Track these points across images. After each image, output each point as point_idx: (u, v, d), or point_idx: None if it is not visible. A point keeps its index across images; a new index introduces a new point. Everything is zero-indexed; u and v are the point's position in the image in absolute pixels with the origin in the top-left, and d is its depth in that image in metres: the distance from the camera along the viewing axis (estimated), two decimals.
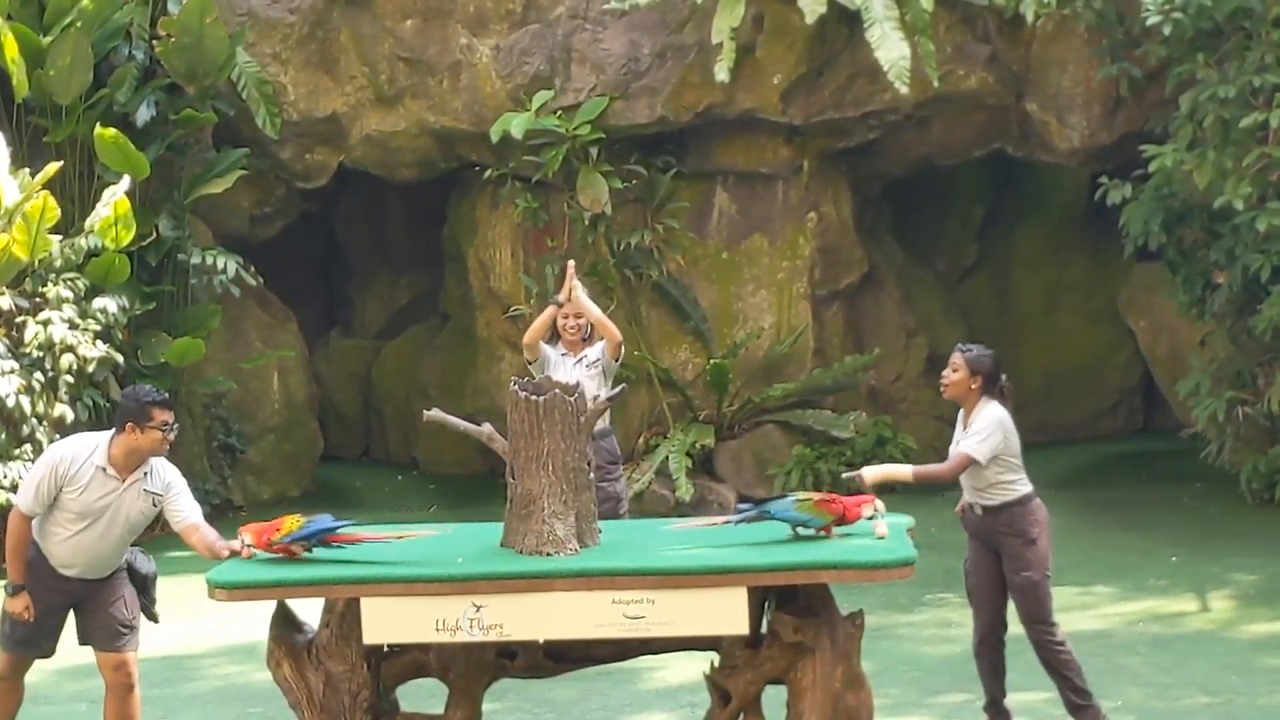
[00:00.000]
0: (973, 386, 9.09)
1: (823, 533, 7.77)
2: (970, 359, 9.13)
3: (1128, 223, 15.67)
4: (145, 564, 9.15)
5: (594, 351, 11.76)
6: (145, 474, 8.68)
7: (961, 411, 9.21)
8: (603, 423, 11.25)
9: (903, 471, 8.85)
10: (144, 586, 9.10)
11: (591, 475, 7.89)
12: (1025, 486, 9.11)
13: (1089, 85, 17.00)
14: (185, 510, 8.70)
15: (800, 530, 7.79)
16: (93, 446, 8.67)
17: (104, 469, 8.59)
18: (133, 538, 8.87)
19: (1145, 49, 15.83)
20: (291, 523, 7.88)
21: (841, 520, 7.84)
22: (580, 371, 11.48)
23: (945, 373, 9.19)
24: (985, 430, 9.00)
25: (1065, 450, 18.88)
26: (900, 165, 18.45)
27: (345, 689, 7.70)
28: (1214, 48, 15.12)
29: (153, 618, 9.18)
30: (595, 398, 11.08)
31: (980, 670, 9.33)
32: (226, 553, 8.26)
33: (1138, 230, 15.60)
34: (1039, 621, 9.15)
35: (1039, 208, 19.92)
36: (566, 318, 11.80)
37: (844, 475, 8.80)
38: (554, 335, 11.89)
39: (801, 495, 7.92)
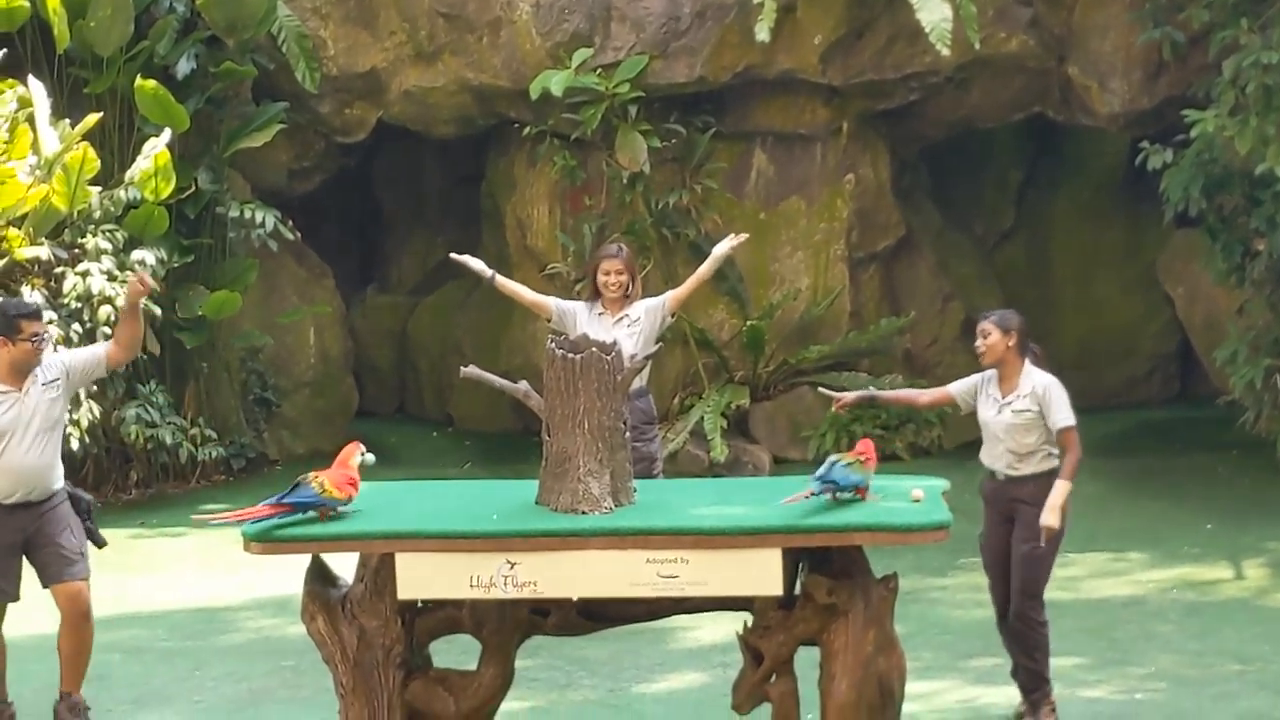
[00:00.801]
0: (1010, 345, 9.09)
1: (858, 495, 7.76)
2: (999, 320, 9.14)
3: (1167, 189, 15.59)
4: (84, 494, 9.44)
5: (636, 309, 11.27)
6: (35, 376, 8.96)
7: (995, 377, 9.15)
8: (639, 382, 10.97)
9: (1066, 486, 8.91)
10: (88, 512, 9.37)
11: (627, 434, 7.88)
12: (1055, 459, 9.10)
13: (1130, 49, 16.92)
14: (92, 352, 9.29)
15: (846, 496, 7.75)
16: None
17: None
18: (57, 438, 9.09)
19: (1188, 13, 15.75)
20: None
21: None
22: (620, 331, 10.87)
23: (978, 343, 9.16)
24: (1058, 397, 9.06)
25: (1100, 417, 18.79)
26: (939, 128, 18.39)
27: (379, 644, 7.73)
28: (1257, 13, 15.02)
29: (99, 542, 9.44)
30: (632, 357, 11.03)
31: (1005, 644, 9.32)
32: (139, 287, 8.91)
33: (1177, 196, 15.52)
34: (1034, 595, 9.14)
35: (1078, 173, 19.85)
36: (608, 274, 11.26)
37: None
38: (594, 291, 11.38)
39: (846, 457, 7.88)
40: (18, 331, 8.88)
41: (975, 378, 9.30)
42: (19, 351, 8.89)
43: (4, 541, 9.06)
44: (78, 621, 9.16)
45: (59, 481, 9.20)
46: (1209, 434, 17.34)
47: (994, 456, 9.15)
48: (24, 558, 9.20)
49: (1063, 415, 9.02)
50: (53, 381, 9.00)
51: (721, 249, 11.38)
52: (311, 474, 7.85)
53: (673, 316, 11.62)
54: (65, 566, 9.12)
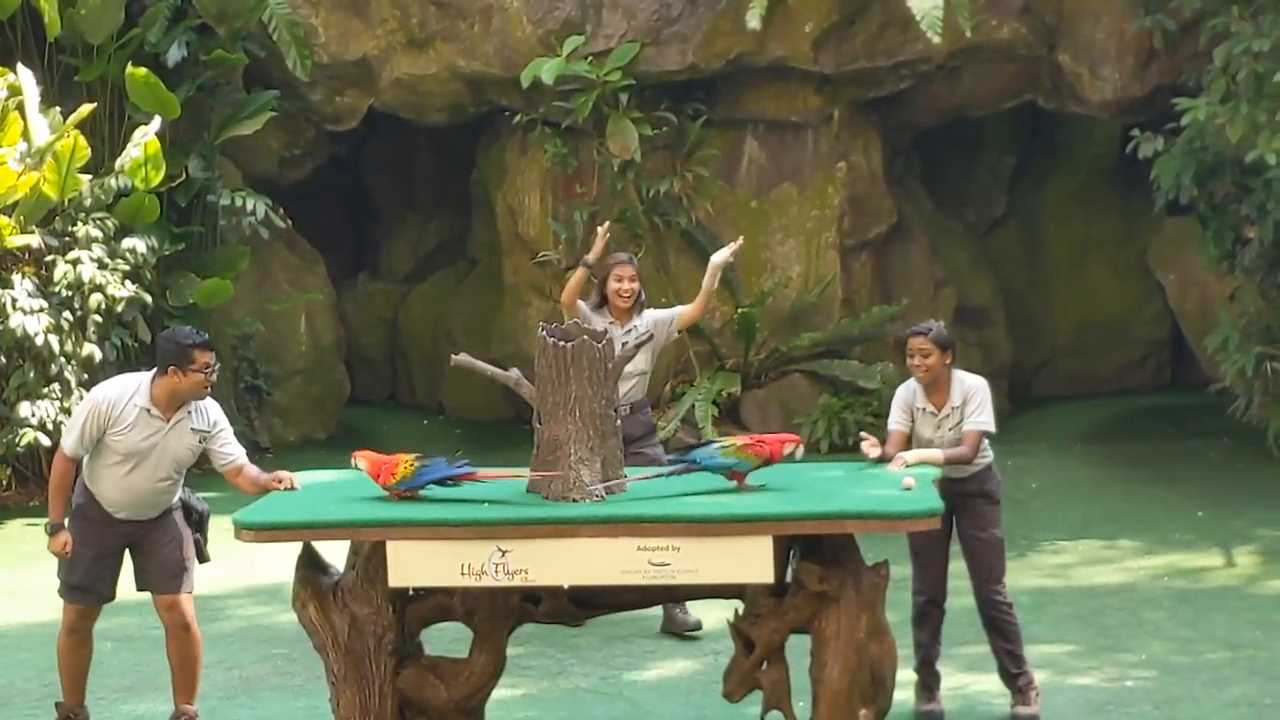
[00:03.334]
0: (946, 363, 9.03)
1: (734, 479, 7.77)
2: (935, 337, 8.95)
3: (1158, 176, 15.61)
4: (199, 504, 9.21)
5: (644, 323, 10.91)
6: (189, 413, 8.72)
7: (921, 390, 9.08)
8: (639, 394, 10.91)
9: (936, 456, 8.76)
10: (199, 525, 9.18)
11: (619, 423, 7.88)
12: (990, 453, 9.08)
13: (1122, 37, 16.94)
14: (231, 451, 8.77)
15: (724, 477, 7.79)
16: (134, 387, 8.69)
17: (148, 410, 8.62)
18: (180, 477, 8.91)
19: (1179, 1, 15.77)
20: (407, 467, 7.82)
21: (769, 461, 7.83)
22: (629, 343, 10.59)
23: (916, 360, 8.95)
24: (983, 400, 8.97)
25: (1093, 403, 18.88)
26: (931, 115, 18.40)
27: (370, 631, 7.73)
28: (1249, 1, 15.03)
29: (204, 558, 9.26)
30: (641, 374, 10.88)
31: (923, 633, 9.25)
32: (276, 485, 8.39)
33: (1168, 184, 15.53)
34: (997, 581, 9.14)
35: (1069, 160, 19.86)
36: (620, 280, 10.91)
37: (869, 452, 8.72)
38: (601, 301, 11.03)
39: (726, 441, 7.91)
40: (190, 362, 8.62)
41: (903, 398, 9.17)
42: (189, 382, 8.63)
43: (107, 545, 8.93)
44: (177, 632, 9.07)
45: (174, 499, 9.09)
46: (1200, 421, 17.36)
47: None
48: (127, 557, 9.09)
49: (980, 419, 8.93)
50: (200, 432, 8.77)
51: (719, 258, 11.07)
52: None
53: (679, 333, 11.40)
54: (167, 579, 8.99)
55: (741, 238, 11.62)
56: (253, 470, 8.68)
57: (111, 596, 9.13)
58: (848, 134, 17.81)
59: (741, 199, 17.81)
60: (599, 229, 11.44)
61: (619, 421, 10.20)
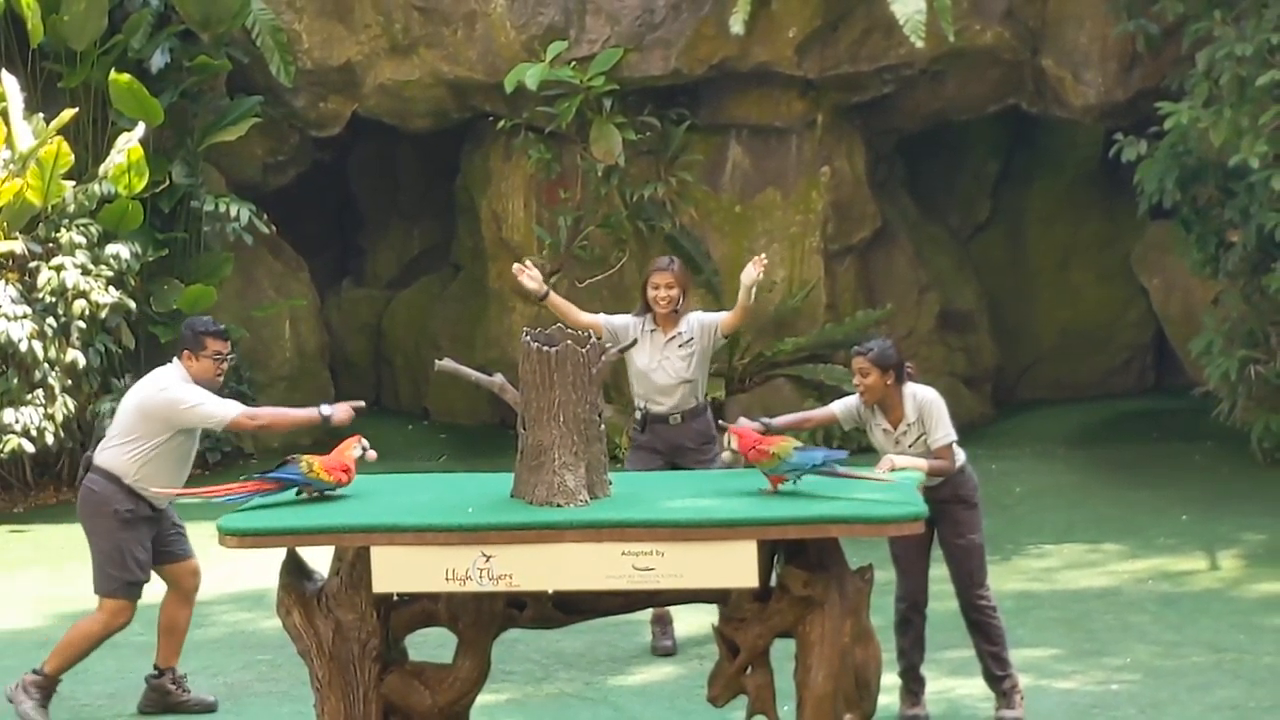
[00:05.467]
0: (889, 383, 8.98)
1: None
2: (874, 358, 8.92)
3: (1142, 180, 15.64)
4: None
5: (689, 327, 10.74)
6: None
7: (876, 407, 9.09)
8: (691, 402, 10.77)
9: (921, 465, 8.76)
10: None
11: (603, 427, 7.88)
12: (963, 454, 9.09)
13: (1105, 41, 16.96)
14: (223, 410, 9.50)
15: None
16: (177, 374, 9.51)
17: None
18: None
19: (1162, 5, 15.80)
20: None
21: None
22: (671, 351, 10.67)
23: (855, 380, 8.99)
24: (939, 413, 8.97)
25: (1076, 408, 18.88)
26: (914, 120, 18.41)
27: (355, 637, 7.72)
28: (1231, 5, 15.07)
29: None
30: (686, 382, 10.74)
31: (905, 639, 9.28)
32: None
33: (1152, 188, 15.57)
34: (980, 585, 9.17)
35: (1053, 164, 19.87)
36: (658, 287, 10.68)
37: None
38: (644, 306, 10.79)
39: (305, 458, 8.02)
40: (201, 347, 9.49)
41: (855, 404, 9.21)
42: (199, 368, 9.52)
43: (149, 540, 9.67)
44: (191, 598, 9.97)
45: None
46: (1184, 425, 17.37)
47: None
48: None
49: (942, 433, 8.92)
50: None
51: (749, 278, 10.75)
52: (303, 455, 7.95)
53: (725, 336, 11.03)
54: (184, 542, 9.87)
55: (764, 258, 11.02)
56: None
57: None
58: (831, 139, 17.81)
59: (725, 204, 17.81)
60: (515, 266, 11.05)
61: (675, 428, 10.38)
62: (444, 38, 17.78)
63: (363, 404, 9.34)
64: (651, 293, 10.70)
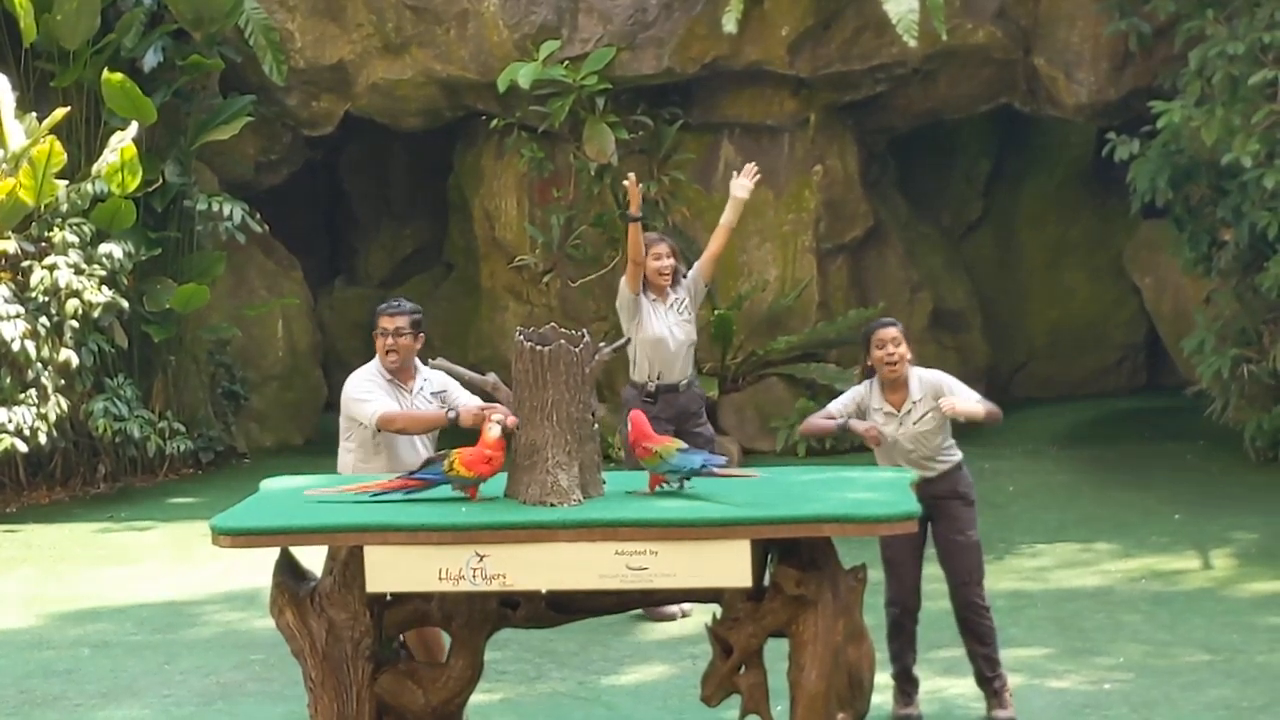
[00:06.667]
0: (909, 357, 9.11)
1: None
2: (903, 329, 9.12)
3: (1134, 179, 15.65)
4: None
5: (679, 291, 11.26)
6: (425, 380, 9.24)
7: (874, 389, 9.12)
8: (689, 366, 11.35)
9: (979, 410, 8.87)
10: None
11: (596, 426, 7.88)
12: (959, 452, 9.12)
13: (1097, 40, 16.95)
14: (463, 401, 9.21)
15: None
16: (367, 365, 9.26)
17: (390, 381, 9.16)
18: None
19: (1154, 4, 15.81)
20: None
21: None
22: (673, 317, 11.18)
23: (889, 350, 8.99)
24: (957, 383, 9.10)
25: (1068, 406, 18.90)
26: (906, 119, 18.41)
27: (348, 637, 7.72)
28: (1223, 4, 15.08)
29: None
30: (691, 343, 11.32)
31: (896, 644, 9.29)
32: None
33: (1144, 187, 15.58)
34: (977, 584, 9.18)
35: (1045, 163, 19.89)
36: (659, 258, 11.12)
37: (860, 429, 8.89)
38: (643, 281, 11.17)
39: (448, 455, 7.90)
40: (375, 326, 9.22)
41: (853, 396, 9.23)
42: (377, 346, 9.18)
43: None
44: None
45: None
46: (1177, 424, 17.39)
47: (913, 460, 9.04)
48: None
49: (975, 395, 9.04)
50: (437, 393, 9.29)
51: (742, 191, 11.13)
52: (451, 450, 7.87)
53: (707, 283, 11.57)
54: None
55: (755, 168, 11.56)
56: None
57: None
58: (823, 138, 17.82)
59: (718, 202, 17.68)
60: (626, 180, 11.61)
61: (683, 394, 10.97)
62: (436, 37, 17.77)
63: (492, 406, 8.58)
64: (653, 264, 11.13)
